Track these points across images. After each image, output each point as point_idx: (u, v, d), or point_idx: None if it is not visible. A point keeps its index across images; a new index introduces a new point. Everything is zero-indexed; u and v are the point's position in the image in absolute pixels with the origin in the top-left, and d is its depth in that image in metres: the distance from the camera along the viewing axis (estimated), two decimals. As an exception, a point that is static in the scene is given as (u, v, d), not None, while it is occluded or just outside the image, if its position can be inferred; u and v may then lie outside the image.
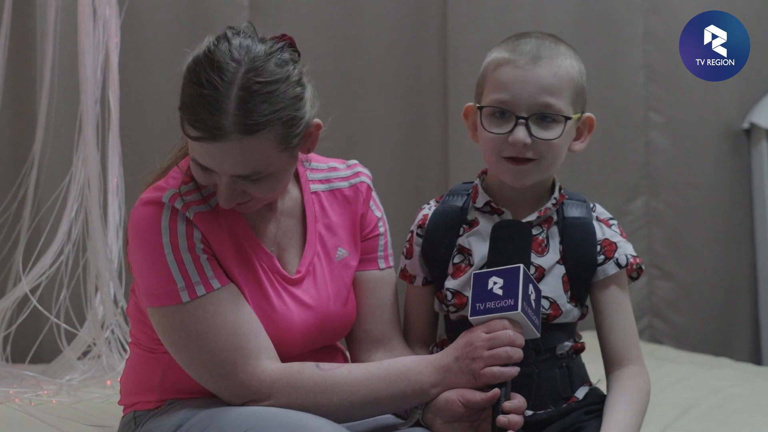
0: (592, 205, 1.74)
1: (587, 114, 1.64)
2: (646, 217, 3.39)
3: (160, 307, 1.54)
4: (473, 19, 3.34)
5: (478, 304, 1.53)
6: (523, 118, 1.58)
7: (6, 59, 2.81)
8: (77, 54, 2.68)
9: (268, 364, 1.54)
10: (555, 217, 1.67)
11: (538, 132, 1.59)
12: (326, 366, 1.55)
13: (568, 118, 1.58)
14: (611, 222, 1.72)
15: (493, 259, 1.58)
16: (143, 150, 3.03)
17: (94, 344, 2.63)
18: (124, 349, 2.62)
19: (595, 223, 1.68)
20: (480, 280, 1.54)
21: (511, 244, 1.58)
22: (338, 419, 1.51)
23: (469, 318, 1.54)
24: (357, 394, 1.52)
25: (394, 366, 1.55)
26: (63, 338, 2.66)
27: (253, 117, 1.50)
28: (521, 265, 1.53)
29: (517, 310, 1.50)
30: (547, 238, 1.65)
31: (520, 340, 1.51)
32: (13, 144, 3.01)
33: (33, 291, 2.65)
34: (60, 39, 2.79)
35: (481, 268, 1.61)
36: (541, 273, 1.62)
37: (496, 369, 1.49)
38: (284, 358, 1.58)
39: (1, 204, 2.85)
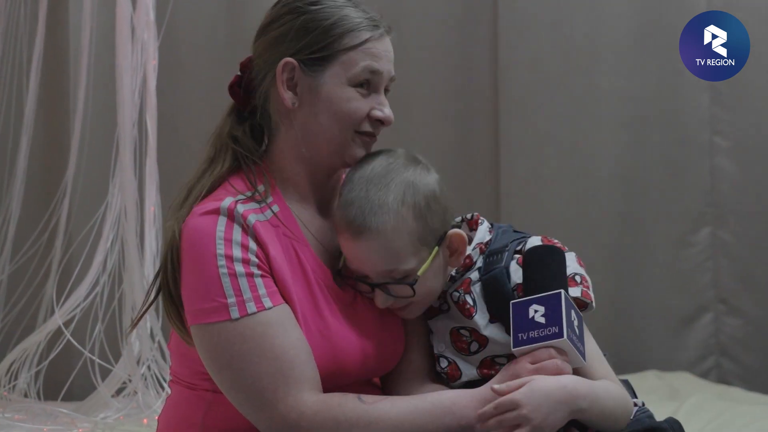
0: (519, 245, 1.76)
1: (451, 232, 1.68)
2: (712, 249, 3.46)
3: (207, 323, 1.60)
4: (525, 36, 3.46)
5: (520, 334, 1.57)
6: (375, 285, 1.69)
7: (39, 82, 2.98)
8: (113, 77, 2.83)
9: (309, 395, 1.60)
10: (472, 277, 1.73)
11: (396, 291, 1.69)
12: (369, 399, 1.61)
13: (415, 278, 1.67)
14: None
15: (529, 287, 1.63)
16: (180, 176, 3.15)
17: (130, 381, 2.76)
18: (161, 386, 2.74)
19: (512, 268, 1.72)
20: (520, 309, 1.59)
21: (547, 270, 1.63)
22: None
23: (513, 349, 1.58)
24: (401, 429, 1.59)
25: (439, 400, 1.61)
26: (97, 374, 2.79)
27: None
28: (562, 290, 1.58)
29: (563, 337, 1.55)
30: (473, 299, 1.73)
31: (568, 368, 1.58)
32: (45, 171, 3.17)
33: (66, 324, 2.78)
34: (95, 61, 2.95)
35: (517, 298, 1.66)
36: (479, 336, 1.70)
37: None
38: (339, 386, 1.65)
39: (33, 234, 2.99)
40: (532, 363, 1.58)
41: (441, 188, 1.69)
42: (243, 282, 1.60)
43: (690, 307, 3.45)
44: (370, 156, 1.70)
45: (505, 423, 1.52)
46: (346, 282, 1.70)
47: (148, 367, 2.75)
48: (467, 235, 1.72)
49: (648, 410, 1.75)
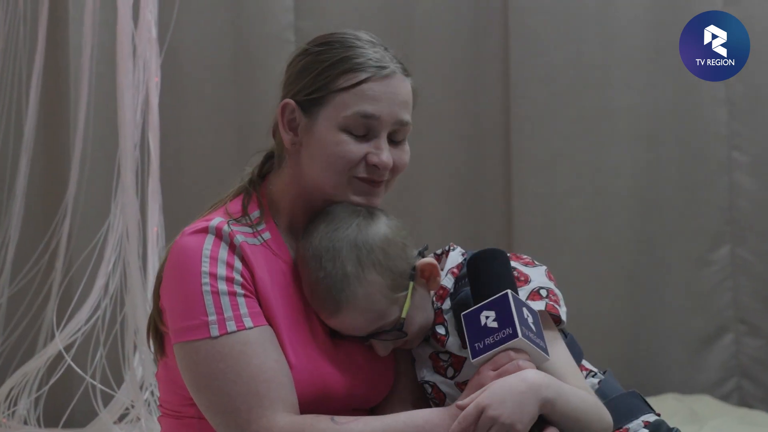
0: None
1: (419, 264, 1.73)
2: (731, 267, 3.48)
3: (188, 341, 1.65)
4: (537, 51, 3.49)
5: (476, 344, 1.60)
6: (368, 338, 1.73)
7: (39, 102, 3.03)
8: (114, 95, 2.87)
9: (282, 417, 1.63)
10: (444, 308, 1.77)
11: (389, 337, 1.73)
12: (342, 419, 1.64)
13: (401, 322, 1.71)
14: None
15: (477, 295, 1.65)
16: (183, 196, 3.23)
17: (133, 406, 2.79)
18: (165, 412, 2.77)
19: None
20: (472, 319, 1.61)
21: (492, 274, 1.65)
22: None
23: (472, 361, 1.61)
24: None
25: (412, 419, 1.64)
26: (99, 400, 2.82)
27: (403, 62, 1.75)
28: (508, 291, 1.60)
29: (518, 336, 1.57)
30: (445, 328, 1.76)
31: (530, 366, 1.60)
32: (44, 191, 3.21)
33: (67, 349, 2.82)
34: (95, 80, 3.00)
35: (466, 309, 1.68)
36: (456, 360, 1.74)
37: None
38: (326, 413, 1.68)
39: (32, 256, 3.03)
40: (494, 369, 1.60)
41: (391, 227, 1.73)
42: (225, 300, 1.66)
43: (709, 327, 3.47)
44: (310, 226, 1.73)
45: (476, 429, 1.54)
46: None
47: (152, 393, 2.77)
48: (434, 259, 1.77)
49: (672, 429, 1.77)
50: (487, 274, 1.65)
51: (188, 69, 3.33)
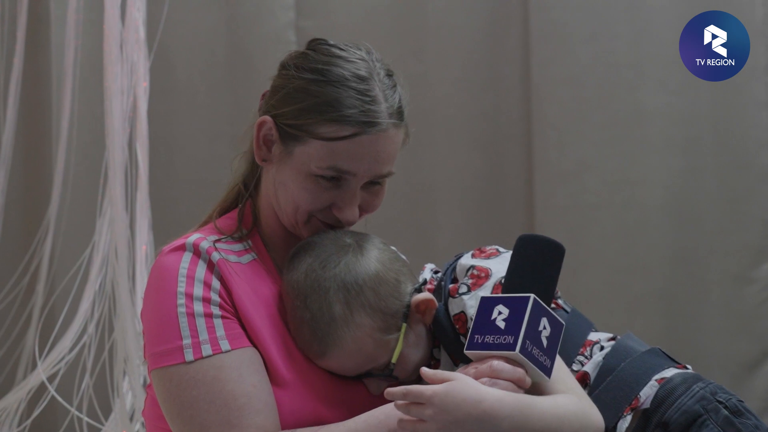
0: (452, 271, 1.83)
1: (414, 301, 1.75)
2: (776, 285, 3.51)
3: (163, 368, 1.70)
4: (561, 50, 3.51)
5: (476, 336, 1.60)
6: (359, 378, 1.77)
7: (17, 109, 3.06)
8: (99, 101, 2.91)
9: None
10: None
11: (381, 379, 1.78)
12: None
13: (390, 367, 1.75)
14: (462, 281, 1.81)
15: (511, 281, 1.65)
16: (174, 212, 3.26)
17: (122, 440, 2.82)
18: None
19: (451, 303, 1.77)
20: (485, 307, 1.62)
21: (535, 267, 1.65)
22: None
23: (465, 351, 1.62)
24: None
25: (373, 415, 1.67)
26: (85, 433, 2.85)
27: (400, 105, 1.77)
28: (532, 296, 1.59)
29: (514, 350, 1.57)
30: (432, 353, 1.81)
31: (525, 380, 1.59)
32: (24, 207, 3.25)
33: (50, 379, 2.86)
34: (79, 85, 3.03)
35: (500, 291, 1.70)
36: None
37: None
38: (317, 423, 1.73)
39: (12, 278, 3.07)
40: (475, 377, 1.60)
41: (383, 261, 1.76)
42: (200, 322, 1.70)
43: (753, 351, 3.47)
44: (295, 258, 1.76)
45: (410, 412, 1.56)
46: None
47: (142, 424, 2.80)
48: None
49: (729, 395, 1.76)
50: (529, 266, 1.65)
51: (179, 73, 3.37)
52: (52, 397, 2.83)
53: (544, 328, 1.61)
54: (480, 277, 1.75)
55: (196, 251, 1.73)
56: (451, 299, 1.77)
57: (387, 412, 1.66)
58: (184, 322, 1.69)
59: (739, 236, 3.49)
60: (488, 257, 1.79)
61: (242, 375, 1.69)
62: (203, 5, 3.44)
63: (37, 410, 2.88)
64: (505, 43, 3.55)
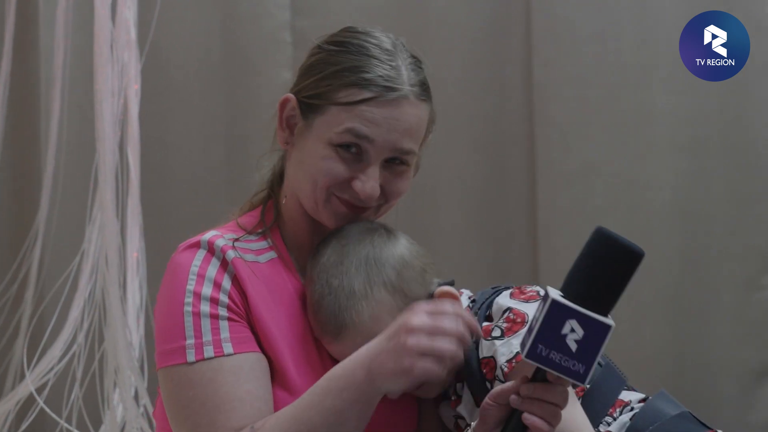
0: (487, 307, 1.79)
1: (437, 292, 1.72)
2: (788, 291, 3.48)
3: (167, 367, 1.70)
4: (564, 50, 3.48)
5: (541, 346, 1.47)
6: None
7: (5, 112, 3.04)
8: (89, 104, 2.88)
9: None
10: None
11: None
12: (258, 423, 1.66)
13: None
14: (497, 323, 1.75)
15: (577, 280, 1.50)
16: (166, 218, 3.24)
17: (112, 453, 2.80)
18: (149, 458, 2.78)
19: (482, 344, 1.73)
20: (556, 315, 1.47)
21: (608, 273, 1.49)
22: None
23: (524, 358, 1.49)
24: (301, 422, 1.61)
25: (331, 374, 1.63)
26: (75, 446, 2.83)
27: (424, 81, 1.78)
28: (613, 325, 1.47)
29: (583, 383, 1.48)
30: (455, 387, 1.77)
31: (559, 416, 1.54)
32: (13, 213, 3.23)
33: (39, 390, 2.83)
34: (68, 87, 3.01)
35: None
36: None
37: (429, 364, 1.53)
38: None
39: (-1, 285, 3.04)
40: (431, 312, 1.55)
41: (411, 251, 1.75)
42: (206, 323, 1.70)
43: (763, 359, 3.45)
44: (321, 244, 1.76)
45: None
46: None
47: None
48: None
49: None
50: (603, 267, 1.49)
51: (172, 74, 3.34)
52: (41, 408, 2.81)
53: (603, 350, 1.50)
54: (516, 322, 1.70)
55: (211, 249, 1.73)
56: (482, 340, 1.71)
57: (345, 366, 1.61)
58: (189, 321, 1.69)
59: (749, 240, 3.47)
60: (527, 300, 1.74)
61: (239, 380, 1.68)
62: (196, 4, 3.42)
63: (26, 422, 2.86)
64: (506, 42, 3.52)
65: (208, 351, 1.68)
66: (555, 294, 1.48)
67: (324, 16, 3.41)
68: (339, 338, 1.70)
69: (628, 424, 1.73)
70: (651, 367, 3.42)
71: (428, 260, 1.77)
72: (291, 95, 1.79)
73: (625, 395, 1.79)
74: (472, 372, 1.71)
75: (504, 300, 1.76)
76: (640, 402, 1.78)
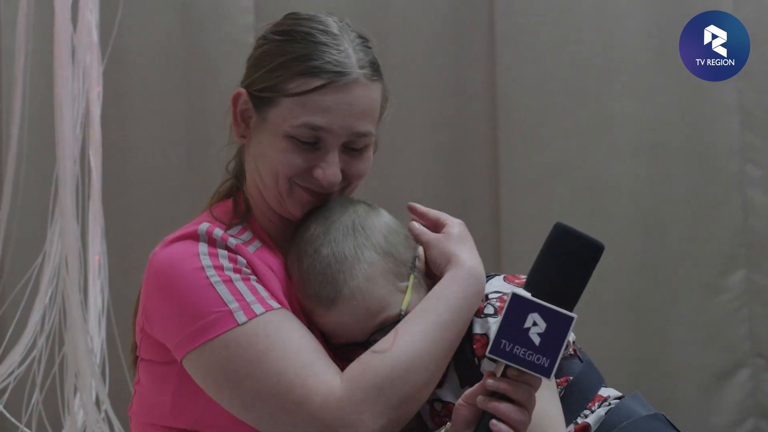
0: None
1: (420, 251, 1.77)
2: (747, 295, 3.49)
3: (208, 341, 1.65)
4: (527, 55, 3.52)
5: (504, 341, 1.49)
6: (366, 343, 1.72)
7: (-35, 115, 3.03)
8: (50, 108, 2.88)
9: (336, 379, 1.62)
10: None
11: None
12: (381, 346, 1.65)
13: (402, 315, 1.73)
14: (489, 302, 1.79)
15: (539, 275, 1.53)
16: (128, 219, 3.24)
17: (73, 458, 2.79)
18: (110, 463, 2.78)
19: (475, 322, 1.75)
20: (518, 309, 1.49)
21: (569, 266, 1.53)
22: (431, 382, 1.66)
23: (488, 354, 1.52)
24: (435, 348, 1.65)
25: (436, 296, 1.70)
26: (34, 451, 2.82)
27: (374, 61, 1.77)
28: (575, 317, 1.49)
29: (548, 377, 1.49)
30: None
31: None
32: (-28, 217, 3.20)
33: (-2, 395, 2.82)
34: (30, 91, 3.00)
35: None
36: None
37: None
38: None
39: (-42, 290, 3.03)
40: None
41: (394, 221, 1.78)
42: (241, 285, 1.68)
43: (723, 362, 3.48)
44: (304, 220, 1.76)
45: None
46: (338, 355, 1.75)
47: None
48: None
49: None
50: (564, 260, 1.52)
51: (134, 77, 3.35)
52: (1, 413, 2.79)
53: (569, 340, 1.55)
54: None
55: (210, 239, 1.71)
56: (475, 318, 1.73)
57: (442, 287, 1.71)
58: (223, 289, 1.66)
59: (708, 244, 3.51)
60: (520, 285, 1.73)
61: (302, 325, 1.68)
62: (159, 7, 3.43)
63: (-16, 427, 2.84)
64: (469, 47, 3.55)
65: (257, 308, 1.66)
66: (518, 290, 1.51)
67: (287, 19, 3.41)
68: (334, 306, 1.69)
69: (603, 418, 1.76)
70: (611, 370, 3.41)
71: (407, 232, 1.80)
72: (242, 89, 1.79)
73: (604, 391, 1.81)
74: (462, 348, 1.72)
75: (498, 282, 1.80)
76: (616, 399, 1.80)
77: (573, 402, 1.76)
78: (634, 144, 3.53)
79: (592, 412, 1.78)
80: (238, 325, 1.65)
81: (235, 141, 1.86)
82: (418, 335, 1.65)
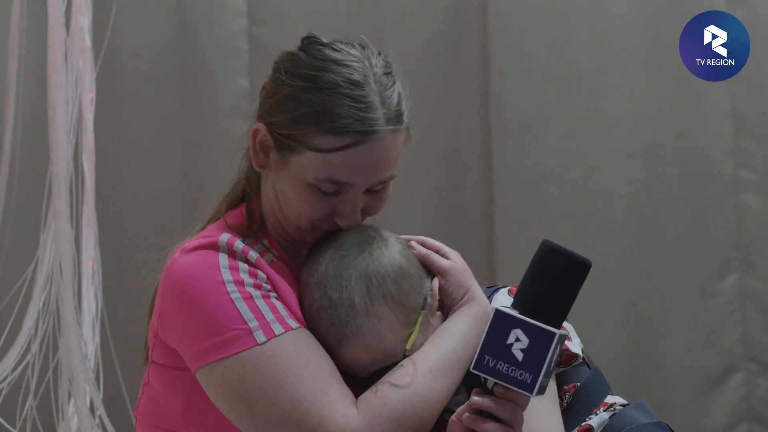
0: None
1: (434, 286, 1.76)
2: (740, 299, 3.50)
3: (224, 358, 1.65)
4: (521, 57, 3.53)
5: (487, 357, 1.51)
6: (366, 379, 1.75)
7: (-42, 120, 3.04)
8: (43, 112, 2.88)
9: (353, 409, 1.62)
10: None
11: None
12: (401, 379, 1.66)
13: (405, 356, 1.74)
14: None
15: (526, 292, 1.54)
16: (121, 225, 3.25)
17: (66, 463, 2.80)
18: (103, 469, 2.78)
19: None
20: (501, 325, 1.52)
21: (556, 283, 1.53)
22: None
23: (471, 369, 1.54)
24: (451, 384, 1.67)
25: (452, 336, 1.71)
26: (28, 457, 2.83)
27: (399, 108, 1.76)
28: (558, 332, 1.50)
29: (531, 393, 1.50)
30: None
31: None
32: (-35, 222, 3.21)
33: (-8, 400, 2.82)
34: (23, 95, 3.01)
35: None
36: None
37: None
38: None
39: (-49, 295, 3.03)
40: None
41: (406, 256, 1.76)
42: (261, 304, 1.67)
43: (716, 366, 3.50)
44: (316, 250, 1.75)
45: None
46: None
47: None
48: None
49: None
50: (550, 278, 1.53)
51: (127, 82, 3.36)
52: (-6, 419, 2.81)
53: (555, 359, 1.53)
54: None
55: (231, 251, 1.71)
56: None
57: (460, 328, 1.73)
58: (243, 306, 1.65)
59: (703, 248, 3.52)
60: None
61: (320, 348, 1.68)
62: (152, 12, 3.43)
63: (-22, 433, 2.85)
64: (463, 50, 3.56)
65: (277, 328, 1.65)
66: (502, 307, 1.53)
67: (280, 24, 3.43)
68: (338, 350, 1.69)
69: (606, 422, 1.77)
70: (606, 373, 3.40)
71: (419, 263, 1.78)
72: (262, 126, 1.76)
73: (610, 399, 1.83)
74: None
75: (503, 298, 1.80)
76: (621, 406, 1.82)
77: (579, 408, 1.78)
78: (627, 147, 3.54)
79: (596, 415, 1.79)
80: (257, 344, 1.65)
81: (242, 148, 1.85)
82: (437, 372, 1.67)
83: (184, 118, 3.44)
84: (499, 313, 1.52)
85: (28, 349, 2.85)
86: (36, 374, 2.84)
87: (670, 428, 1.82)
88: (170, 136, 3.44)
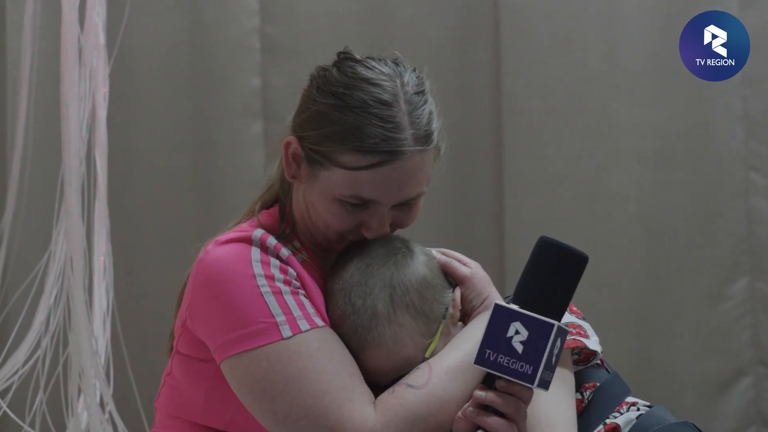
0: None
1: (456, 297, 1.81)
2: (750, 303, 3.51)
3: (251, 350, 1.69)
4: (532, 60, 3.54)
5: (488, 351, 1.56)
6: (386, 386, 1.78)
7: (-29, 115, 3.07)
8: (56, 108, 2.90)
9: (371, 408, 1.67)
10: None
11: None
12: (416, 380, 1.69)
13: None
14: None
15: (525, 287, 1.59)
16: (133, 221, 3.27)
17: (76, 458, 2.81)
18: (113, 464, 2.80)
19: None
20: (500, 319, 1.56)
21: (554, 277, 1.58)
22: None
23: (473, 363, 1.58)
24: (467, 387, 1.68)
25: (462, 338, 1.75)
26: (38, 451, 2.84)
27: (428, 128, 1.78)
28: (556, 324, 1.54)
29: (532, 384, 1.54)
30: None
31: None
32: (-23, 217, 3.23)
33: (3, 394, 2.85)
34: (36, 91, 3.03)
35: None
36: None
37: None
38: None
39: (-37, 289, 3.06)
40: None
41: (431, 267, 1.80)
42: (290, 299, 1.71)
43: (726, 370, 3.50)
44: (343, 258, 1.79)
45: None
46: None
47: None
48: None
49: None
50: (553, 277, 1.59)
51: (140, 79, 3.38)
52: (4, 412, 2.83)
53: (556, 351, 1.57)
54: None
55: (264, 246, 1.75)
56: None
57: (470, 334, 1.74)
58: (272, 300, 1.69)
59: (712, 252, 3.53)
60: None
61: (343, 346, 1.71)
62: (165, 10, 3.46)
63: (-12, 427, 2.87)
64: (474, 52, 3.57)
65: (303, 324, 1.69)
66: (501, 302, 1.58)
67: (293, 23, 3.45)
68: (359, 356, 1.73)
69: (634, 422, 1.81)
70: (614, 377, 3.46)
71: (443, 275, 1.82)
72: (294, 139, 1.80)
73: (631, 399, 1.88)
74: None
75: None
76: (645, 406, 1.86)
77: (600, 406, 1.83)
78: (638, 150, 3.55)
79: (622, 414, 1.83)
80: (282, 339, 1.68)
81: (276, 152, 1.88)
82: (452, 374, 1.70)
83: (195, 116, 3.46)
84: (498, 307, 1.56)
85: (38, 343, 2.87)
86: (46, 369, 2.86)
87: (698, 428, 1.85)
88: (182, 133, 3.46)
